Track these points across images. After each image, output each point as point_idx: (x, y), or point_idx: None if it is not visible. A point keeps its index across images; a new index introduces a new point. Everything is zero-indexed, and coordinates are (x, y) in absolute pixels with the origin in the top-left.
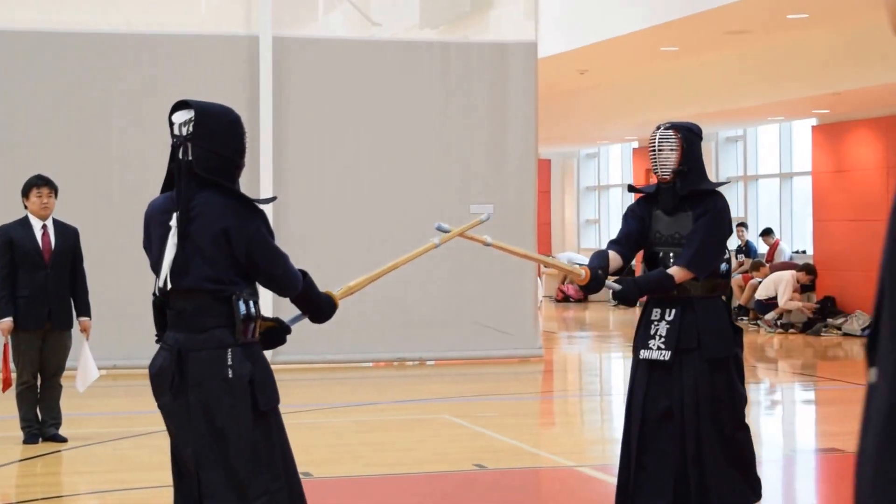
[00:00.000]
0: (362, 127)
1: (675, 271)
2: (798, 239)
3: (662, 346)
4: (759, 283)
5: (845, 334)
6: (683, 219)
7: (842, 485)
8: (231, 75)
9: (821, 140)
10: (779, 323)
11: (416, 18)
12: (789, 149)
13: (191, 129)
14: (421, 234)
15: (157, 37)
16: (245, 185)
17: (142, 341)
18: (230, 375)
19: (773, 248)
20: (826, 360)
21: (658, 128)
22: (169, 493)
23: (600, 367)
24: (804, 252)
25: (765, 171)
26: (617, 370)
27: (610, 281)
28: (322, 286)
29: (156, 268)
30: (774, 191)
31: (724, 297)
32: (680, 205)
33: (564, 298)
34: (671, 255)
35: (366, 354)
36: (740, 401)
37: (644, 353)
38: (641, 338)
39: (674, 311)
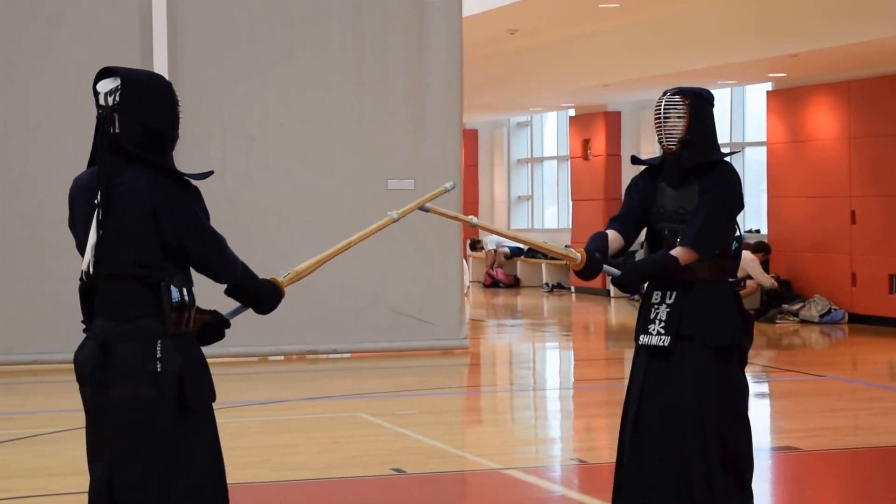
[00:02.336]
0: (266, 90)
1: (678, 252)
2: (751, 216)
3: (662, 332)
4: None
5: (802, 321)
6: (689, 192)
7: (798, 487)
8: (120, 29)
9: (777, 107)
10: None
11: None
12: (741, 116)
13: (117, 98)
14: (333, 210)
15: None
16: None
17: (15, 335)
18: (158, 369)
19: None
20: (781, 350)
21: (664, 94)
22: (47, 501)
23: (533, 359)
24: (757, 231)
25: None
26: (552, 362)
27: (608, 266)
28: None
29: (81, 250)
30: None
31: (731, 280)
32: (686, 177)
33: (493, 283)
34: (677, 232)
35: (273, 347)
36: (742, 397)
37: (643, 339)
38: (641, 323)
39: (675, 293)
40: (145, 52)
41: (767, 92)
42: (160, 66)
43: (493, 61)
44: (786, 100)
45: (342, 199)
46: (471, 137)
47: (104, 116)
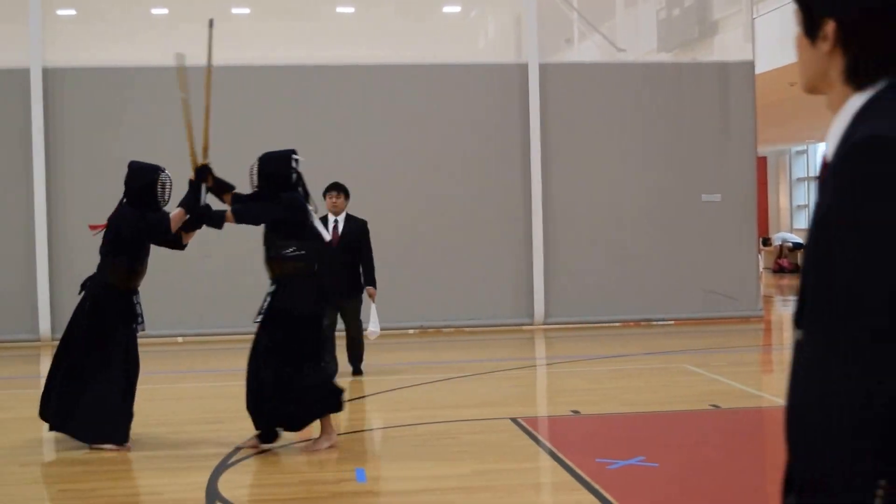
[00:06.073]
0: (613, 136)
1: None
2: None
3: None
4: None
5: None
6: None
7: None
8: (504, 98)
9: None
10: None
11: (654, 44)
12: None
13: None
14: (660, 224)
15: (440, 66)
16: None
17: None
18: None
19: None
20: None
21: None
22: (463, 424)
23: None
24: None
25: None
26: None
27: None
28: None
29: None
30: None
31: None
32: None
33: (780, 269)
34: None
35: (614, 316)
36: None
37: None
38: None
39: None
40: (523, 114)
41: None
42: (535, 124)
43: (778, 107)
44: None
45: (662, 209)
46: (760, 162)
47: None
